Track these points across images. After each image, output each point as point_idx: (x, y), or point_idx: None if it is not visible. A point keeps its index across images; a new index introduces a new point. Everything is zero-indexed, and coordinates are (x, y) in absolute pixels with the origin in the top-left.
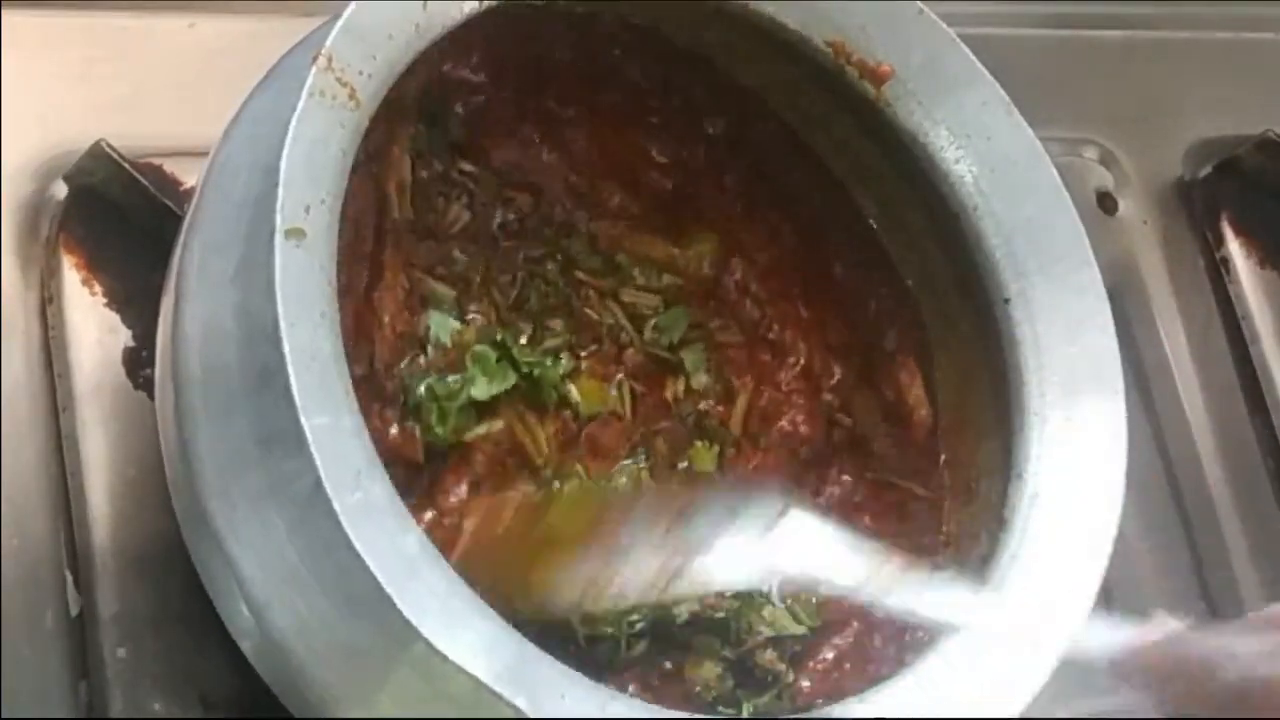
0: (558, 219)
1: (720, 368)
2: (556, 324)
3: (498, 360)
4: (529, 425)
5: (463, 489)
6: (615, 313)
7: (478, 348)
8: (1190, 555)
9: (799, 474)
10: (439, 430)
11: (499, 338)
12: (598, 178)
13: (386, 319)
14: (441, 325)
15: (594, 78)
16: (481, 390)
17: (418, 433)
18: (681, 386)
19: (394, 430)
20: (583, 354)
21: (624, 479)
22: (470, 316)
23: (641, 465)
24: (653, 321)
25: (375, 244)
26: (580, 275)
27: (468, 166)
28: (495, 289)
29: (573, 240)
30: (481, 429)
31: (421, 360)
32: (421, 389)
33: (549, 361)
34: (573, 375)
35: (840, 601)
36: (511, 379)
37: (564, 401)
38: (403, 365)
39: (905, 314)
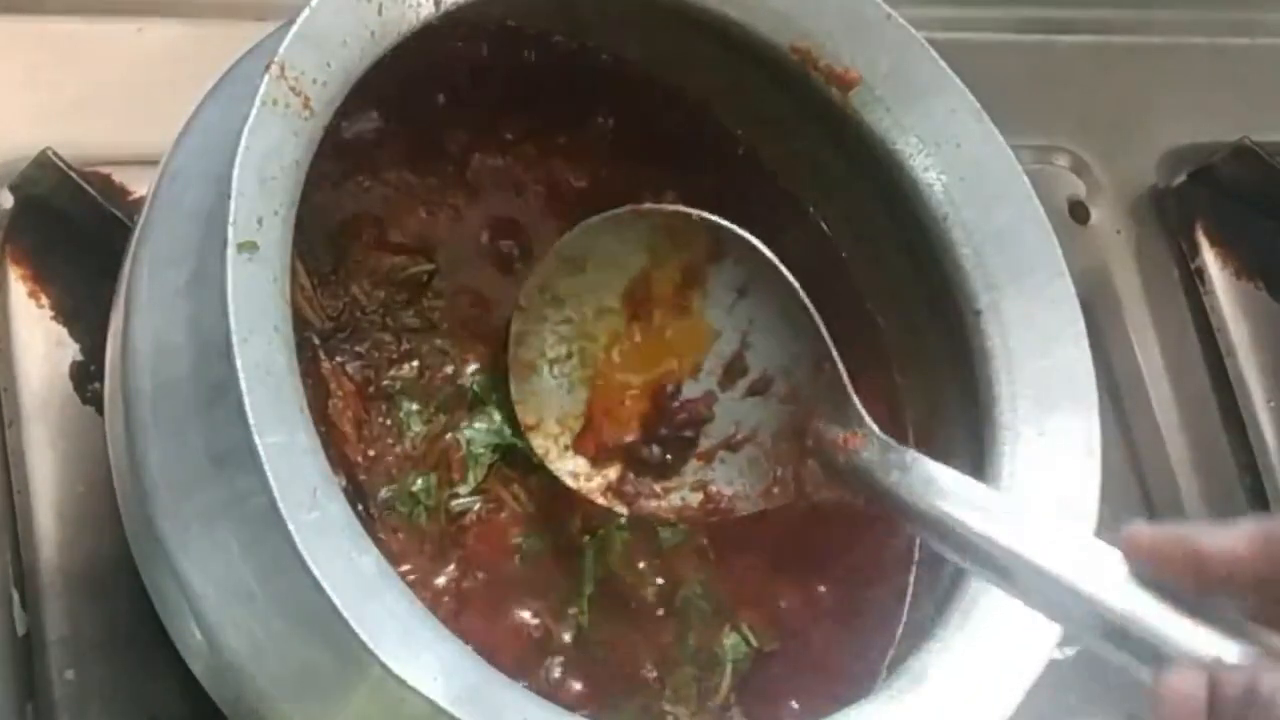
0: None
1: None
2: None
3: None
4: (512, 490)
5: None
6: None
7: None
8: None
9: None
10: (425, 526)
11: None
12: (516, 217)
13: (349, 429)
14: (411, 414)
15: (527, 100)
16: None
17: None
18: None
19: (401, 535)
20: None
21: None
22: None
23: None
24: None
25: (306, 361)
26: None
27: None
28: (444, 359)
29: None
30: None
31: (398, 450)
32: (401, 494)
33: None
34: None
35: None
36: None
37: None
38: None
39: (869, 332)
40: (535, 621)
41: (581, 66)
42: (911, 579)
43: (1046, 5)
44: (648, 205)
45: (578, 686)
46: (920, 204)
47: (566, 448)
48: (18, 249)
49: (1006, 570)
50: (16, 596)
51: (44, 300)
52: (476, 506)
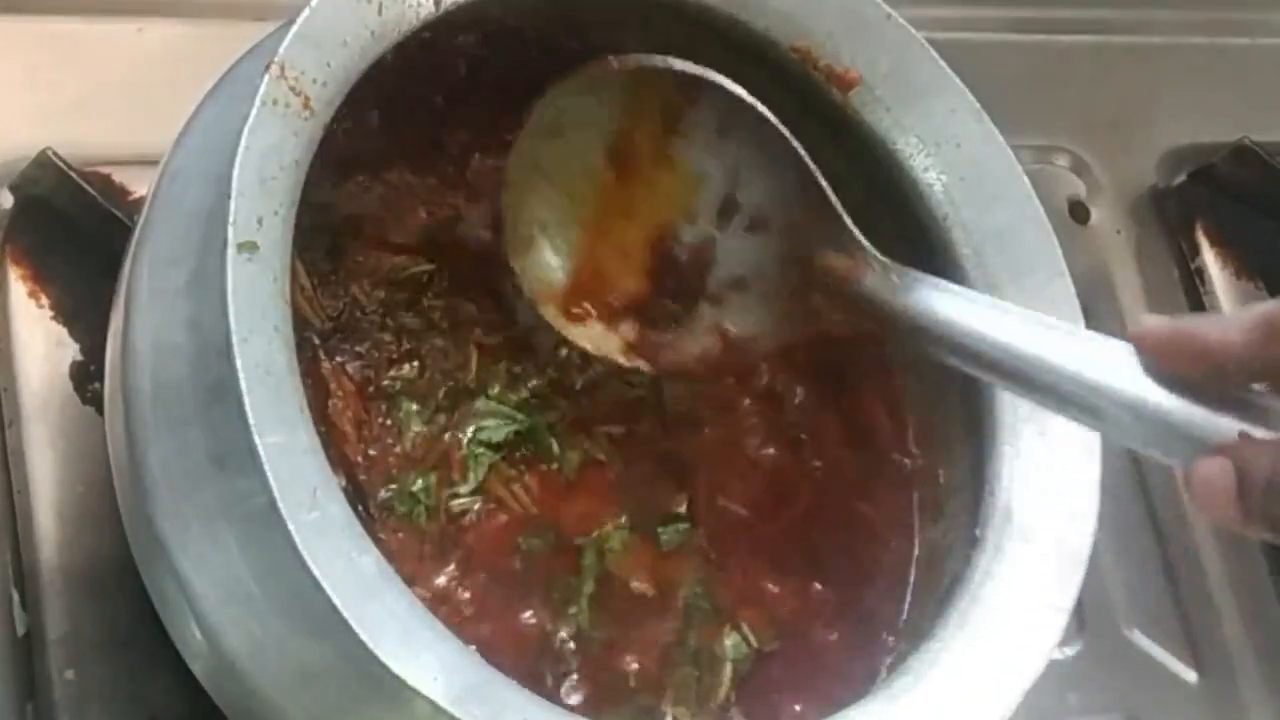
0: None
1: (686, 397)
2: (518, 370)
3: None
4: (513, 489)
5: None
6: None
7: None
8: (1164, 571)
9: (765, 495)
10: (425, 526)
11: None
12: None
13: (349, 429)
14: (410, 414)
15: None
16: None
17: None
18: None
19: (400, 535)
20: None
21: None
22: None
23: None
24: None
25: (306, 361)
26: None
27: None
28: (444, 359)
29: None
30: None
31: (398, 450)
32: (401, 494)
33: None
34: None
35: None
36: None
37: (548, 455)
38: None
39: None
40: (535, 621)
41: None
42: (912, 579)
43: (1046, 5)
44: (613, 59)
45: (577, 686)
46: (920, 204)
47: (579, 314)
48: (18, 249)
49: (1023, 375)
50: (16, 596)
51: (44, 300)
52: (476, 506)
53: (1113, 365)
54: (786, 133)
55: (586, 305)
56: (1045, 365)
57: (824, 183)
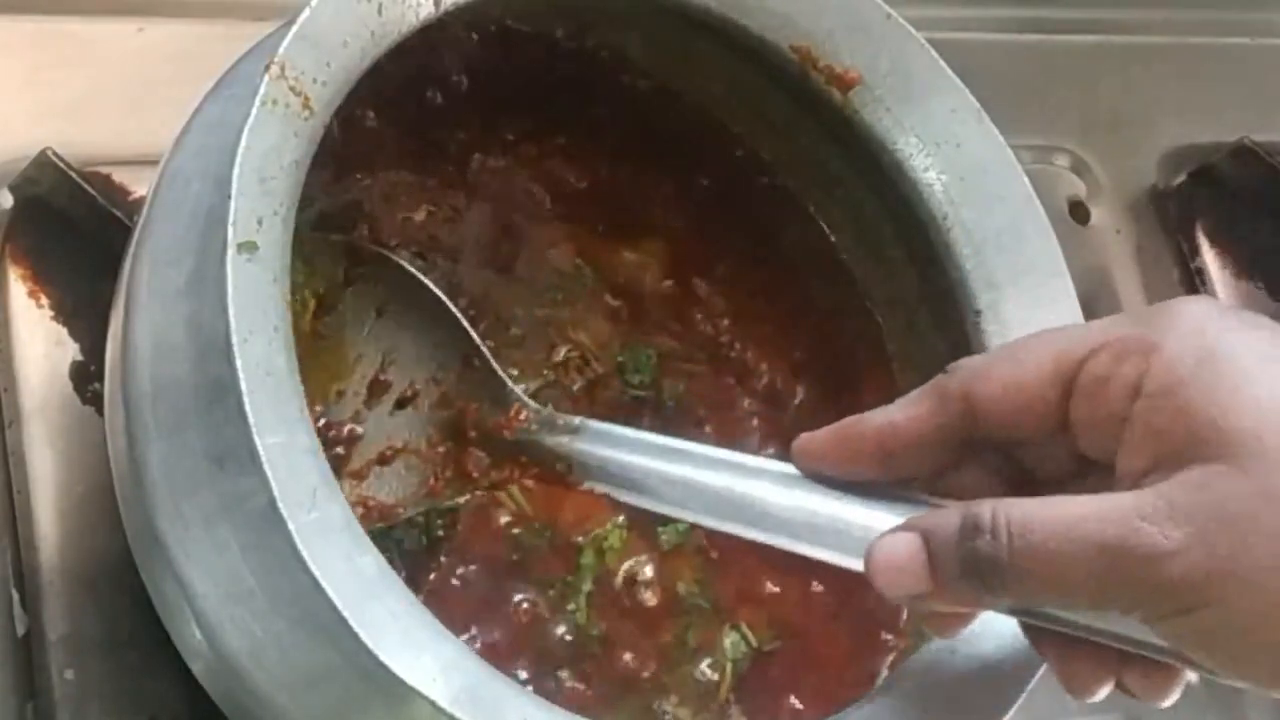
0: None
1: (686, 396)
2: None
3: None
4: (509, 490)
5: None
6: (584, 343)
7: None
8: None
9: None
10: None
11: None
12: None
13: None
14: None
15: (527, 100)
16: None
17: None
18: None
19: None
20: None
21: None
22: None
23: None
24: (619, 358)
25: None
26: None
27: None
28: None
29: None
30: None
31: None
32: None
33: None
34: None
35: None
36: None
37: None
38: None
39: (870, 332)
40: (534, 621)
41: (581, 66)
42: None
43: (1047, 5)
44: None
45: (577, 686)
46: (920, 204)
47: None
48: (17, 249)
49: (681, 500)
50: (16, 597)
51: (44, 300)
52: (475, 506)
53: (771, 477)
54: (449, 304)
55: None
56: (727, 495)
57: (485, 349)
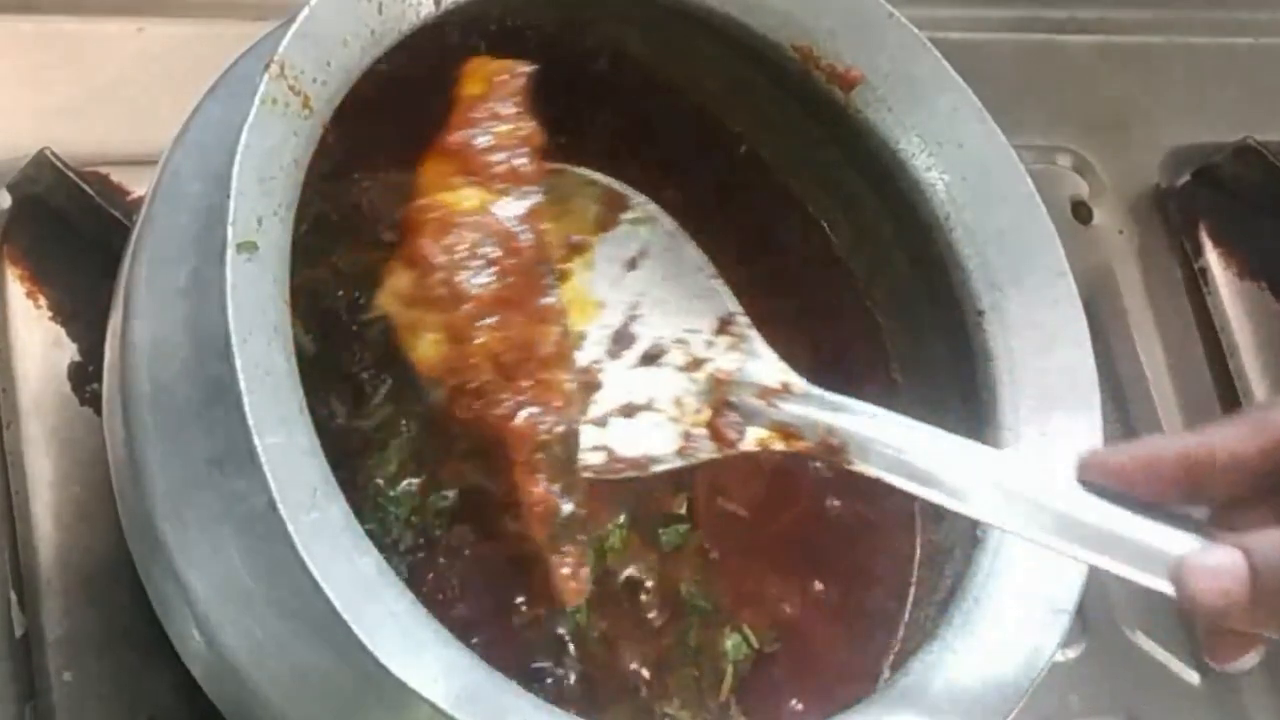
0: None
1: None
2: None
3: None
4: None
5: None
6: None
7: None
8: None
9: (765, 495)
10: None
11: None
12: None
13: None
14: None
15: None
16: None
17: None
18: None
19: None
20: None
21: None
22: None
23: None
24: None
25: None
26: None
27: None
28: None
29: None
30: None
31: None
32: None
33: None
34: None
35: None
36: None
37: None
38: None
39: (870, 332)
40: (533, 621)
41: (581, 66)
42: (913, 579)
43: (1049, 5)
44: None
45: (577, 687)
46: (922, 204)
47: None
48: (15, 249)
49: (961, 492)
50: (15, 597)
51: (42, 300)
52: (472, 506)
53: (1060, 486)
54: (707, 262)
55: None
56: (1006, 491)
57: (740, 312)
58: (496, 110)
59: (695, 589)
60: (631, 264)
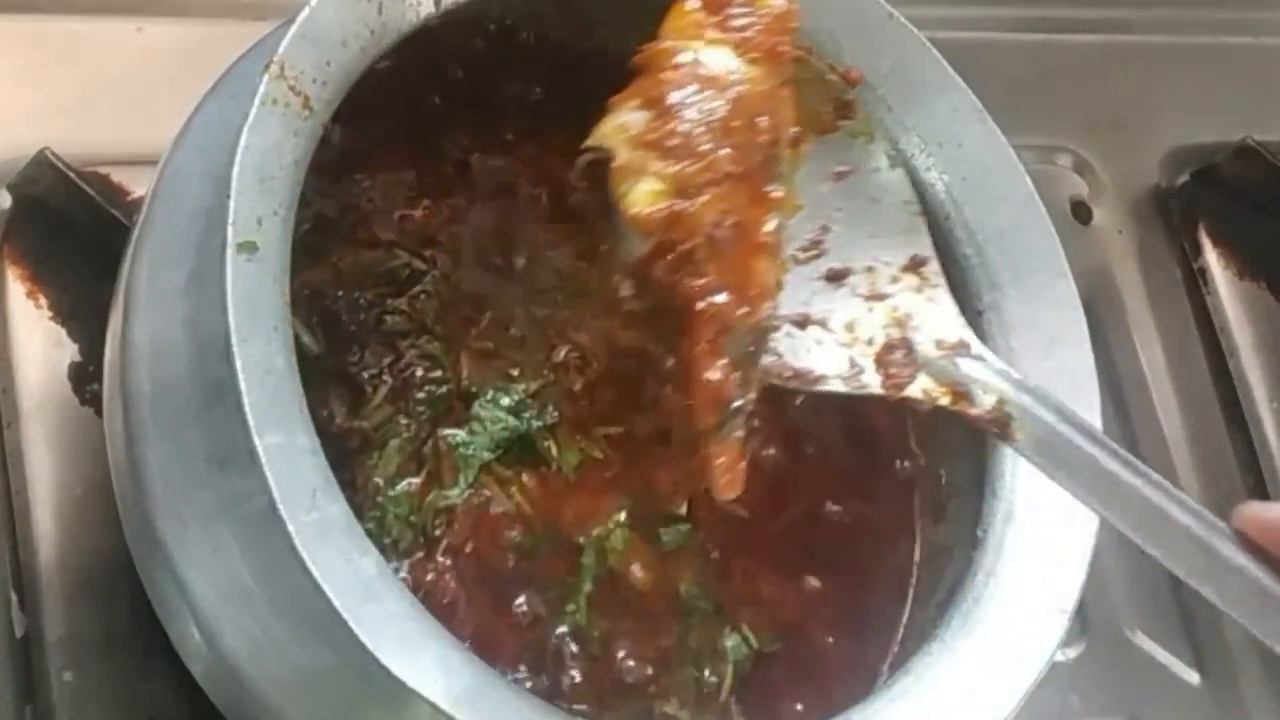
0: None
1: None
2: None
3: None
4: (509, 490)
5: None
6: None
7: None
8: (1166, 572)
9: (765, 495)
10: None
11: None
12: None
13: None
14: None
15: (527, 100)
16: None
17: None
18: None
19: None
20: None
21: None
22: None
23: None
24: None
25: None
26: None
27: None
28: (434, 361)
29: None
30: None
31: (375, 460)
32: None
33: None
34: (550, 429)
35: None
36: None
37: (541, 457)
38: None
39: None
40: (533, 621)
41: (582, 66)
42: (913, 580)
43: (1049, 5)
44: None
45: (577, 687)
46: (922, 204)
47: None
48: (16, 249)
49: (1117, 507)
50: (15, 598)
51: (42, 301)
52: (473, 505)
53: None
54: (915, 198)
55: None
56: (1170, 526)
57: (938, 265)
58: None
59: (695, 589)
60: (840, 176)
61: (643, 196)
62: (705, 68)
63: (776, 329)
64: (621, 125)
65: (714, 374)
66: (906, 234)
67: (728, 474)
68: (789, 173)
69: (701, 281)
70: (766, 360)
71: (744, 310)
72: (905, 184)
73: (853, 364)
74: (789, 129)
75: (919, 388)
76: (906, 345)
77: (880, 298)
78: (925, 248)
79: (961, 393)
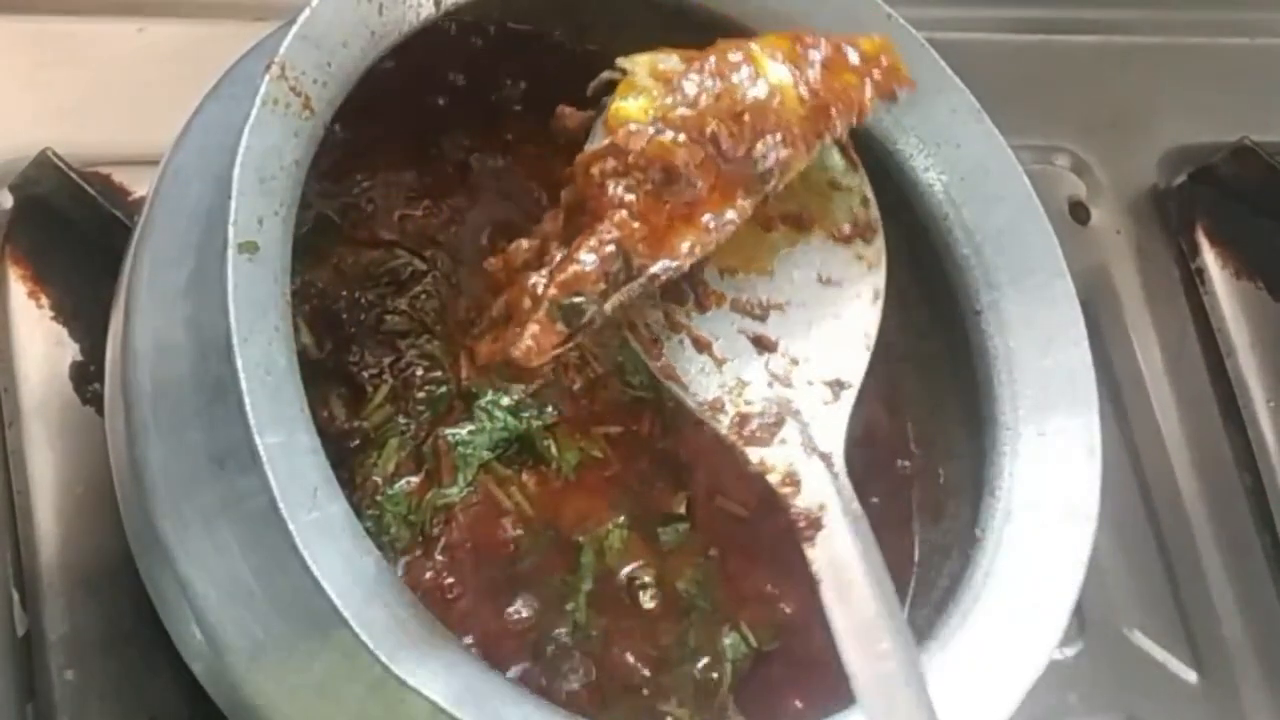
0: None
1: None
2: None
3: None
4: (508, 490)
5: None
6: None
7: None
8: (1164, 570)
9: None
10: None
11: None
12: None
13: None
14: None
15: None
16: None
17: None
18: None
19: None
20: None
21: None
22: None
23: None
24: (619, 358)
25: None
26: None
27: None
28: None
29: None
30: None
31: (375, 459)
32: (381, 505)
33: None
34: (550, 429)
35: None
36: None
37: (541, 457)
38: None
39: None
40: (533, 620)
41: (582, 67)
42: (912, 578)
43: (1047, 5)
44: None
45: (576, 686)
46: (920, 204)
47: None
48: (17, 249)
49: None
50: (16, 597)
51: (44, 300)
52: (472, 504)
53: None
54: (875, 332)
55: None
56: None
57: (856, 389)
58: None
59: (695, 588)
60: (826, 281)
61: (630, 106)
62: (759, 66)
63: (677, 326)
64: (654, 59)
65: (587, 257)
66: (849, 360)
67: (533, 341)
68: (781, 240)
69: (625, 198)
70: (652, 316)
71: (643, 248)
72: (876, 320)
73: (719, 402)
74: (785, 174)
75: (759, 455)
76: (778, 426)
77: (787, 385)
78: (856, 378)
79: (793, 483)
